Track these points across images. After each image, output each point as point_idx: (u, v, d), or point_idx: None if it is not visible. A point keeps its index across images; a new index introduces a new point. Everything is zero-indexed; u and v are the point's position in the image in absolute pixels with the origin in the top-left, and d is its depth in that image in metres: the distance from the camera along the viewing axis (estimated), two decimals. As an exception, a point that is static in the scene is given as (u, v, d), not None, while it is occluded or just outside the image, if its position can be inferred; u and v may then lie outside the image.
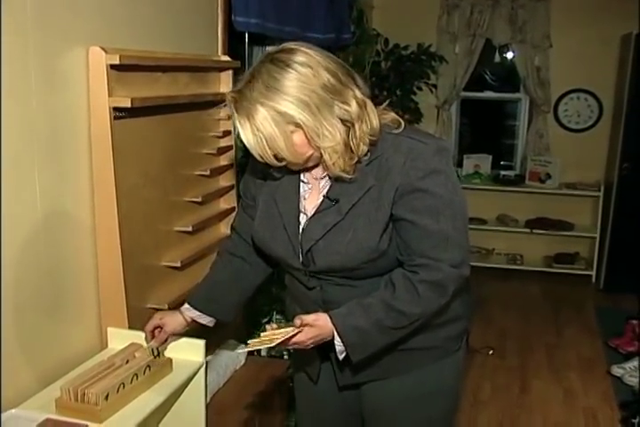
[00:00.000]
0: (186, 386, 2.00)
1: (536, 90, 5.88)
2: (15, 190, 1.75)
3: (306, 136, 1.60)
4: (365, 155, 1.66)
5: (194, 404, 2.04)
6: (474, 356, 4.23)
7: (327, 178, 1.75)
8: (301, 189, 1.81)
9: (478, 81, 6.26)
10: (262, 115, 1.55)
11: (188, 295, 2.02)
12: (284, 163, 1.65)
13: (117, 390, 1.74)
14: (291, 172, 1.78)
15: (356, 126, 1.62)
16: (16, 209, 1.76)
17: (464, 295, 1.88)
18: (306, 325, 1.67)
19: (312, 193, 1.80)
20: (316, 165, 1.75)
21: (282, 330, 1.69)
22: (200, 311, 1.97)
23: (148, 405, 1.79)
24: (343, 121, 1.61)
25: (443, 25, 5.92)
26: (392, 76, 5.58)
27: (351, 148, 1.64)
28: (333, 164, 1.64)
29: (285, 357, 2.99)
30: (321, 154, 1.64)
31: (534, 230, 5.98)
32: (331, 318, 1.69)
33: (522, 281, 5.88)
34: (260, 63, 1.61)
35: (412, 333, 1.78)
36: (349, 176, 1.66)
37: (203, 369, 2.01)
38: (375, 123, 1.66)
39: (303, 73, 1.56)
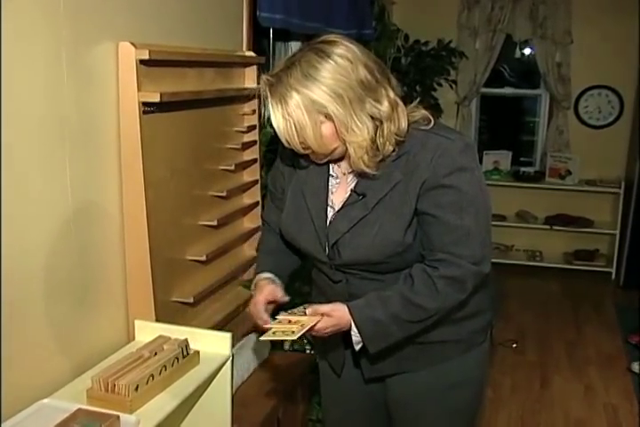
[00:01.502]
0: (213, 378, 2.01)
1: (556, 86, 5.86)
2: (47, 182, 1.77)
3: (335, 128, 1.62)
4: (393, 151, 1.68)
5: (220, 396, 2.05)
6: (496, 350, 4.23)
7: (355, 172, 1.77)
8: (329, 184, 1.83)
9: (498, 77, 6.25)
10: (295, 101, 1.58)
11: (263, 267, 1.99)
12: (309, 151, 1.68)
13: (147, 382, 1.76)
14: (319, 165, 1.80)
15: (385, 126, 1.64)
16: (47, 201, 1.78)
17: (486, 289, 1.89)
18: (322, 314, 1.69)
19: (340, 187, 1.82)
20: (340, 159, 1.77)
21: (297, 318, 1.72)
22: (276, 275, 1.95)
23: (176, 396, 1.80)
24: (373, 118, 1.63)
25: (463, 21, 5.93)
26: (412, 72, 5.58)
27: (377, 146, 1.65)
28: (358, 158, 1.66)
29: (308, 351, 3.00)
30: (346, 148, 1.66)
31: (554, 227, 5.98)
32: (349, 309, 1.71)
33: (541, 278, 5.88)
34: (300, 51, 1.63)
35: (437, 326, 1.80)
36: (372, 172, 1.68)
37: (229, 362, 2.02)
38: (403, 124, 1.67)
39: (342, 66, 1.58)
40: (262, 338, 1.75)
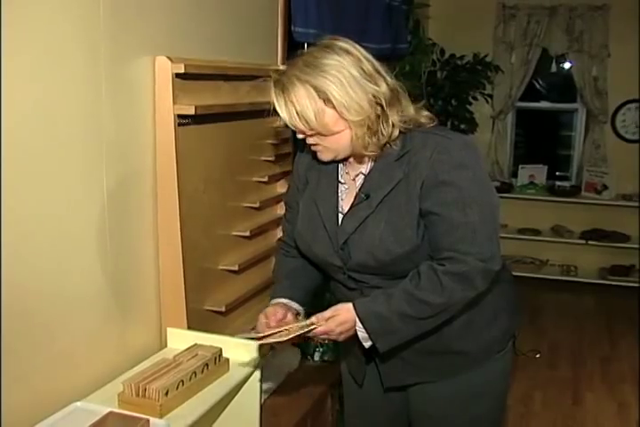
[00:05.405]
0: (242, 386, 2.04)
1: (593, 100, 5.82)
2: (83, 192, 1.83)
3: (336, 110, 1.67)
4: (395, 143, 1.75)
5: (249, 404, 2.08)
6: (522, 362, 4.20)
7: (362, 176, 1.83)
8: (339, 190, 1.89)
9: (534, 91, 6.23)
10: (297, 88, 1.66)
11: (274, 292, 2.03)
12: (314, 138, 1.74)
13: (177, 387, 1.80)
14: (329, 173, 1.88)
15: (387, 110, 1.70)
16: (84, 211, 1.84)
17: (502, 293, 1.92)
18: (323, 319, 1.73)
19: (349, 193, 1.87)
20: (346, 159, 1.84)
21: (295, 324, 1.77)
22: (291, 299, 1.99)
23: (205, 402, 1.84)
24: (375, 101, 1.69)
25: (499, 35, 5.92)
26: (447, 86, 5.58)
27: (381, 130, 1.71)
28: (357, 138, 1.71)
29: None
30: (351, 137, 1.71)
31: (589, 242, 5.91)
32: (354, 305, 1.74)
33: (576, 293, 5.81)
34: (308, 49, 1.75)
35: (452, 334, 1.83)
36: (370, 153, 1.75)
37: (258, 370, 2.05)
38: (409, 111, 1.76)
39: (342, 55, 1.67)
40: (244, 337, 1.78)
